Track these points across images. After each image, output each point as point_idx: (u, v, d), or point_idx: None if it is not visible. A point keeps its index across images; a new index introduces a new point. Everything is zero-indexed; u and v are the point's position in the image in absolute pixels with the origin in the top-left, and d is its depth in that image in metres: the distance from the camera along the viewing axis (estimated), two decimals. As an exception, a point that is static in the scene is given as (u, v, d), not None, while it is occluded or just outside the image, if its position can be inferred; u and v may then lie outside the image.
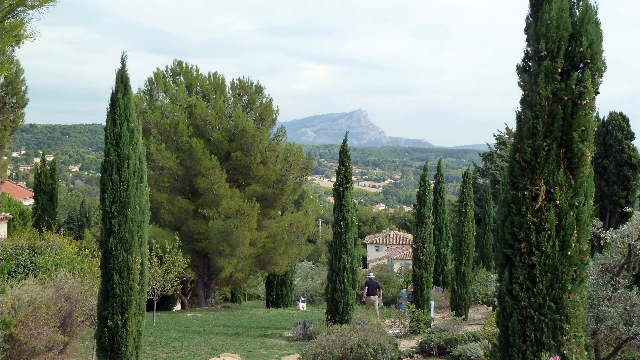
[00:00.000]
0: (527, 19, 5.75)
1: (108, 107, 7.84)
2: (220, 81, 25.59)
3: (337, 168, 15.49)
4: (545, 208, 5.47)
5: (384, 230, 79.00)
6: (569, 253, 5.43)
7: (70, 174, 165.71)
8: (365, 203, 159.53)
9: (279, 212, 27.44)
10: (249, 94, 25.18)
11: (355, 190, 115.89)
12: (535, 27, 5.55)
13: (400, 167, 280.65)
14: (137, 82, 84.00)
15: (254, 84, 25.42)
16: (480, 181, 40.51)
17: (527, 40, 5.70)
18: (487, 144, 43.98)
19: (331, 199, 46.14)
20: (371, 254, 68.82)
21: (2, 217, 21.56)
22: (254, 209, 22.91)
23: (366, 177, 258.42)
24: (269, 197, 24.68)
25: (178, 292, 25.35)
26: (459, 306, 18.30)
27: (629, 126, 24.56)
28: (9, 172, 37.40)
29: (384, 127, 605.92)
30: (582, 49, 5.42)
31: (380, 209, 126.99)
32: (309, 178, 31.76)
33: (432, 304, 18.01)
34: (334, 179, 16.61)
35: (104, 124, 7.88)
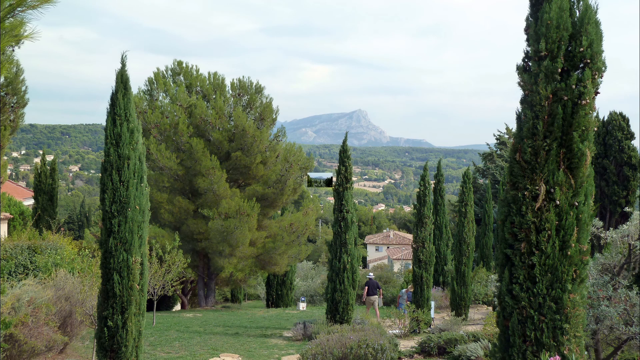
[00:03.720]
0: (527, 19, 5.74)
1: (108, 107, 7.84)
2: (220, 81, 25.60)
3: (337, 168, 15.49)
4: (545, 208, 5.47)
5: (384, 230, 79.00)
6: (569, 253, 5.43)
7: (70, 174, 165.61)
8: (365, 203, 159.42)
9: (279, 212, 27.45)
10: (249, 94, 25.20)
11: (355, 190, 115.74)
12: (535, 27, 5.54)
13: (400, 167, 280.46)
14: (137, 82, 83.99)
15: (254, 84, 25.44)
16: (480, 181, 40.48)
17: (527, 40, 5.69)
18: (487, 144, 43.99)
19: (331, 199, 46.13)
20: (371, 254, 68.80)
21: (2, 217, 21.56)
22: (254, 209, 22.92)
23: (366, 177, 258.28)
24: (269, 197, 24.69)
25: (178, 292, 25.35)
26: (459, 306, 18.30)
27: (629, 126, 24.54)
28: (9, 172, 37.39)
29: (384, 127, 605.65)
30: (582, 49, 5.42)
31: (380, 209, 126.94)
32: (309, 178, 31.76)
33: (432, 304, 18.01)
34: (334, 179, 16.60)
35: (104, 124, 7.88)
